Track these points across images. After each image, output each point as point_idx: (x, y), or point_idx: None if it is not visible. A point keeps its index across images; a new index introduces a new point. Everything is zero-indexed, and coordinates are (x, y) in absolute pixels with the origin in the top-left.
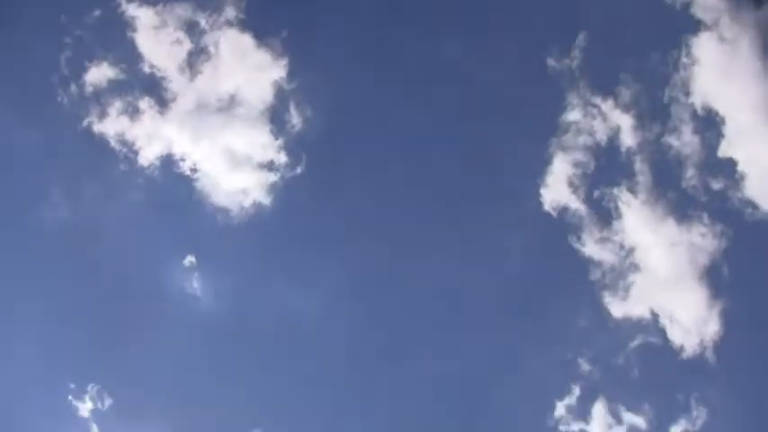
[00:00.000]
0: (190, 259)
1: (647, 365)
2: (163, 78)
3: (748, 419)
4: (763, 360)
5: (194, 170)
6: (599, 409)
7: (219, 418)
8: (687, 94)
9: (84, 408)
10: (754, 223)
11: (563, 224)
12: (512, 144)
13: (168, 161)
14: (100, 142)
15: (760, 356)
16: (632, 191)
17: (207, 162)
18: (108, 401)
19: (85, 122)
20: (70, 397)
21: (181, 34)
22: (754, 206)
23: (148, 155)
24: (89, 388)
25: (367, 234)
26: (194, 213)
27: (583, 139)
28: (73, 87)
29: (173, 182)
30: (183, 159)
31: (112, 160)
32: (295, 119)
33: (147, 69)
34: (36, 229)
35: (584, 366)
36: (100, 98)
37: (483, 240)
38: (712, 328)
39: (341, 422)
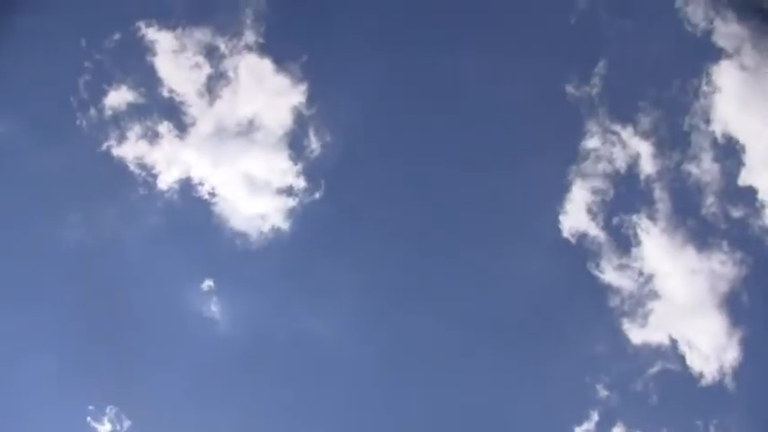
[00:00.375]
0: (208, 283)
1: (665, 392)
2: (182, 103)
3: None
4: None
5: (213, 194)
6: None
7: None
8: (707, 121)
9: (104, 429)
10: None
11: (582, 251)
12: (531, 171)
13: (187, 185)
14: (119, 166)
15: None
16: (652, 218)
17: (225, 186)
18: (126, 423)
19: (104, 146)
20: (89, 419)
21: (200, 59)
22: None
23: (167, 179)
24: (108, 410)
25: (386, 259)
26: (213, 237)
27: (602, 167)
28: (92, 111)
29: (191, 206)
30: (201, 184)
31: (131, 184)
32: (314, 144)
33: (166, 93)
34: (55, 251)
35: (603, 392)
36: (119, 122)
37: (502, 266)
38: (732, 354)
39: None
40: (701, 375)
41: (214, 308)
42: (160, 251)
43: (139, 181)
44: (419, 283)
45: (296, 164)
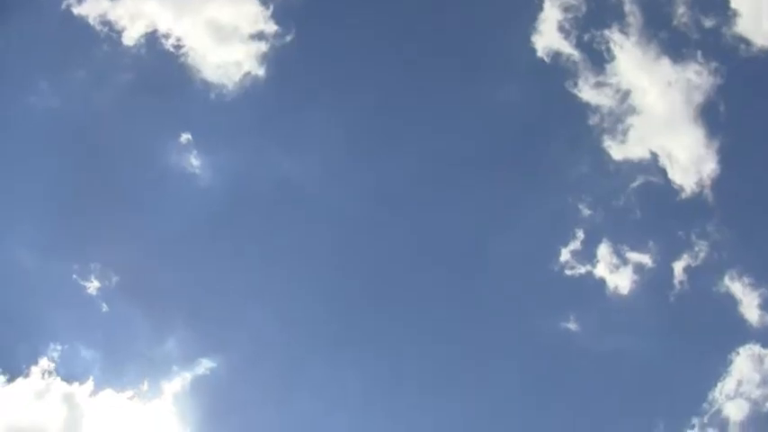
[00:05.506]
0: (186, 137)
1: (648, 206)
2: None
3: (746, 252)
4: (759, 193)
5: (180, 46)
6: (604, 251)
7: (222, 287)
8: None
9: (92, 287)
10: (748, 59)
11: (558, 70)
12: None
13: (153, 39)
14: (81, 25)
15: (756, 191)
16: (624, 32)
17: (193, 37)
18: (114, 279)
19: (64, 5)
20: (75, 276)
21: None
22: (748, 42)
23: (132, 34)
24: (92, 267)
25: (361, 98)
26: (186, 90)
27: None
28: None
29: (160, 60)
30: (167, 36)
31: (96, 42)
32: None
33: None
34: (27, 119)
35: (587, 211)
36: None
37: (479, 94)
38: (710, 165)
39: (341, 285)
40: (682, 188)
41: (194, 161)
42: (133, 109)
43: (103, 38)
44: (396, 121)
45: (267, 8)
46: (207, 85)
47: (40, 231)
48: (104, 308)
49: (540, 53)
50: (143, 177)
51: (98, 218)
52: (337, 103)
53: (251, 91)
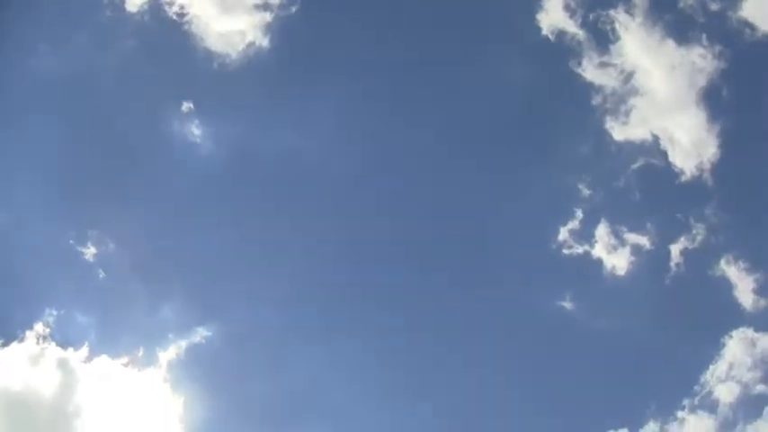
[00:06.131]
0: (188, 105)
1: (647, 187)
2: None
3: (743, 236)
4: (758, 179)
5: (183, 14)
6: (602, 232)
7: (220, 256)
8: None
9: (89, 252)
10: (753, 44)
11: (563, 49)
12: None
13: (156, 5)
14: None
15: (756, 176)
16: (630, 13)
17: (197, 5)
18: (112, 246)
19: None
20: (71, 242)
21: None
22: (753, 27)
23: (135, 0)
24: (89, 233)
25: (364, 72)
26: (188, 57)
27: None
28: None
29: (163, 27)
30: (171, 3)
31: (98, 7)
32: None
33: None
34: (28, 81)
35: (586, 191)
36: None
37: (484, 70)
38: (711, 149)
39: (340, 256)
40: (682, 171)
41: (195, 130)
42: (134, 75)
43: (106, 3)
44: (401, 93)
45: None
46: (210, 54)
47: (38, 197)
48: (101, 274)
49: (545, 31)
50: (143, 145)
51: (96, 184)
52: (341, 76)
53: (254, 61)
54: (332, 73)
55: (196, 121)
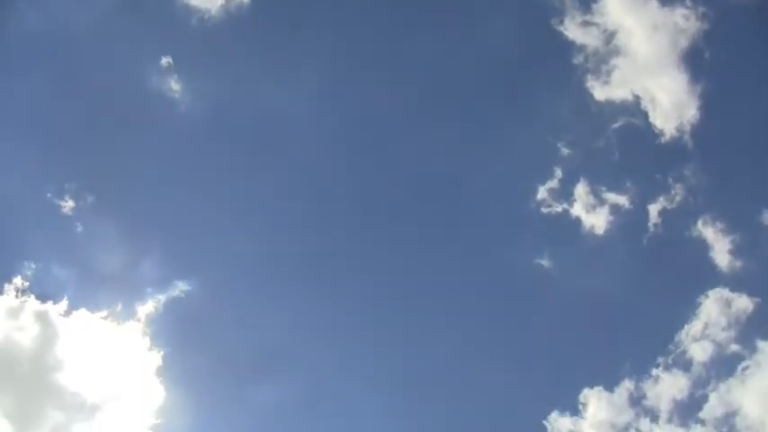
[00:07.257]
0: (166, 60)
1: (627, 147)
2: None
3: (721, 197)
4: (737, 141)
5: None
6: (581, 191)
7: (198, 210)
8: None
9: (68, 206)
10: (736, 6)
11: (545, 7)
12: None
13: None
14: None
15: (735, 138)
16: None
17: None
18: (90, 199)
19: None
20: (49, 195)
21: None
22: None
23: None
24: (67, 186)
25: (346, 29)
26: (166, 10)
27: None
28: None
29: None
30: None
31: None
32: None
33: None
34: (4, 36)
35: (566, 149)
36: None
37: (465, 25)
38: (691, 111)
39: (319, 211)
40: (662, 132)
41: (175, 85)
42: (113, 29)
43: None
44: (380, 54)
45: None
46: (189, 9)
47: (15, 151)
48: (79, 228)
49: None
50: (122, 99)
51: (74, 138)
52: (322, 34)
53: (235, 16)
54: (312, 29)
55: (175, 76)
